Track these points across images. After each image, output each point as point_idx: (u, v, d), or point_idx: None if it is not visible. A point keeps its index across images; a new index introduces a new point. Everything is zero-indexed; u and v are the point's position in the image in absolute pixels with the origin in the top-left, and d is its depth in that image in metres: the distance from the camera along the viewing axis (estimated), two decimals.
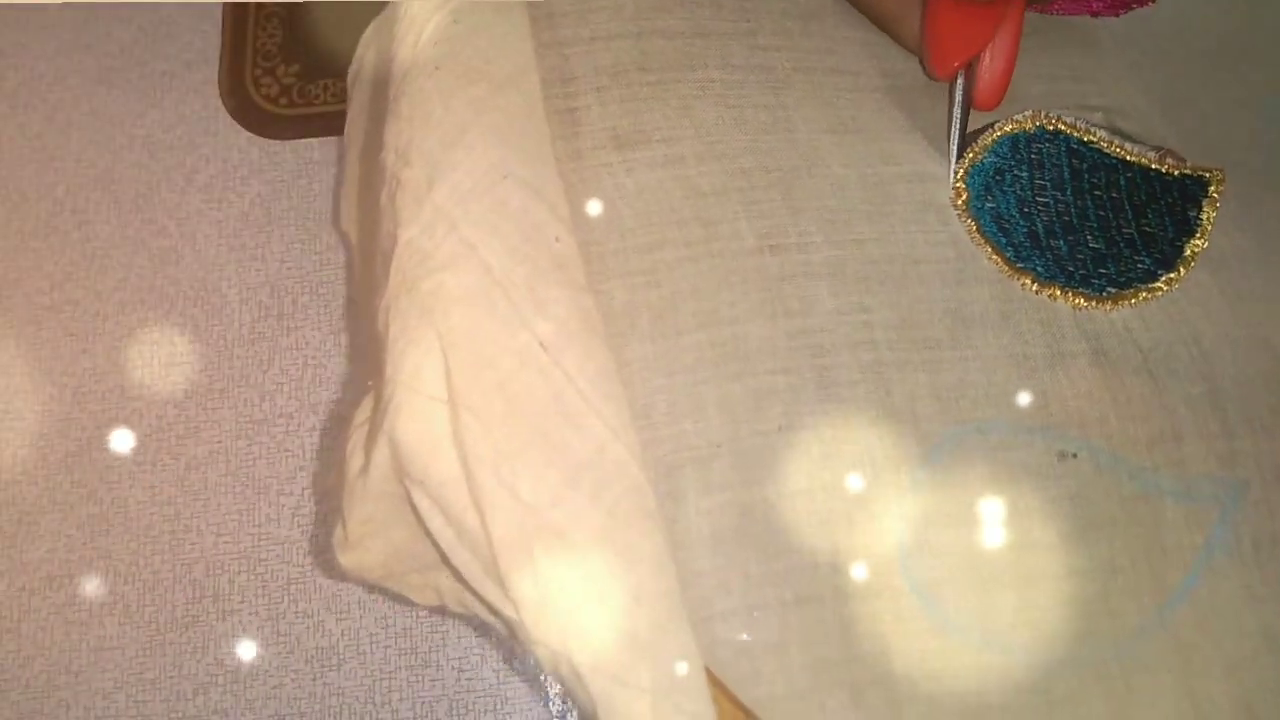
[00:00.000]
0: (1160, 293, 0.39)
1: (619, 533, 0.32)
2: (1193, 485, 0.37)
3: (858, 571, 0.35)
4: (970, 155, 0.41)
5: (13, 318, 0.61)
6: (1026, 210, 0.40)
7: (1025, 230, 0.40)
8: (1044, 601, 0.35)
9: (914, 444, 0.37)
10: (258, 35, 0.70)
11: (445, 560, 0.34)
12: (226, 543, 0.57)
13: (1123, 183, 0.40)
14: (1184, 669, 0.35)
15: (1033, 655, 0.35)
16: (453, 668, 0.55)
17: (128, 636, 0.55)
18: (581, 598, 0.31)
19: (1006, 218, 0.40)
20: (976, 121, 0.43)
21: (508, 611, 0.32)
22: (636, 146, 0.42)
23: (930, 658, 0.34)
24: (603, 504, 0.32)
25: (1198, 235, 0.40)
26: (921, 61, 0.45)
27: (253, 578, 0.56)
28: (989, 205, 0.40)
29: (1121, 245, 0.40)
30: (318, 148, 0.66)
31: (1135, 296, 0.39)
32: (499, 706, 0.54)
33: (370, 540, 0.38)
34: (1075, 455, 0.37)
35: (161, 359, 0.61)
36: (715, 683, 0.31)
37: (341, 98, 0.67)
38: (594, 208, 0.40)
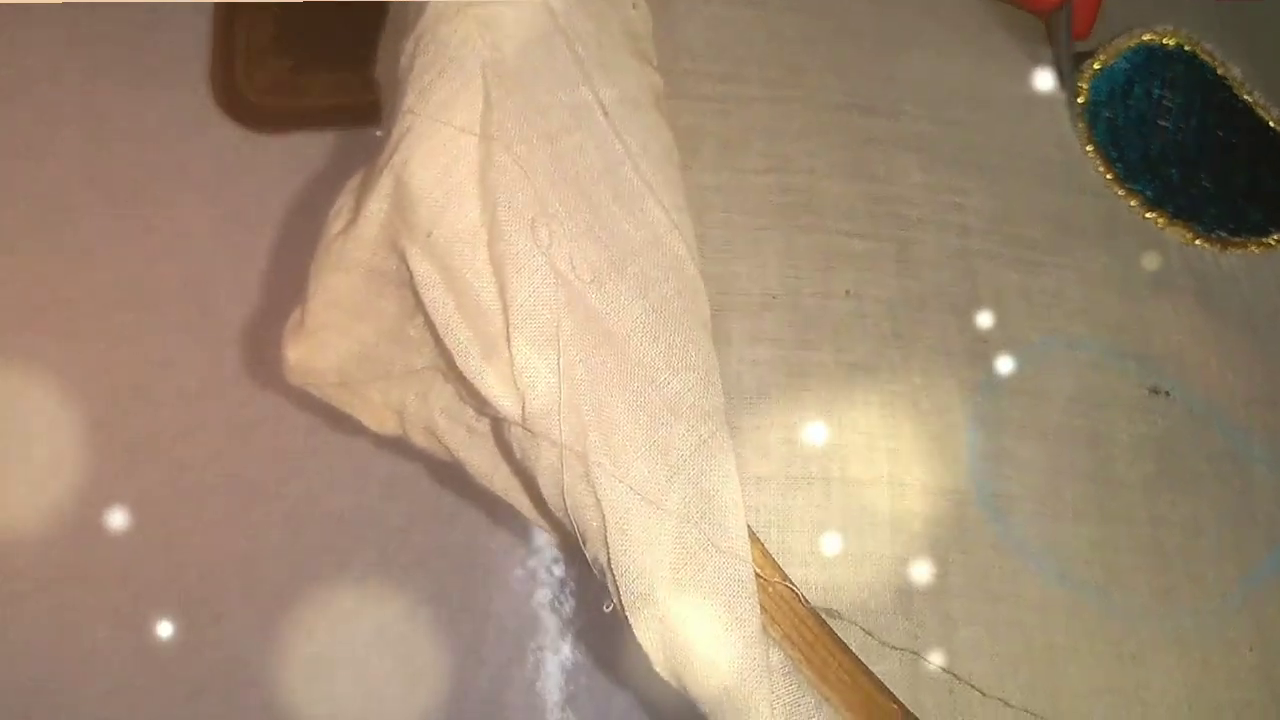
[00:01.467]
0: (1270, 249, 0.35)
1: (665, 333, 0.25)
2: None
3: (920, 463, 0.29)
4: (1102, 58, 0.36)
5: (2, 316, 0.58)
6: (1145, 130, 0.36)
7: (1140, 150, 0.35)
8: (1123, 544, 0.30)
9: (997, 343, 0.31)
10: (249, 29, 0.68)
11: (436, 341, 0.27)
12: (219, 548, 0.55)
13: (1244, 129, 0.36)
14: (1264, 649, 0.30)
15: (1106, 601, 0.29)
16: (448, 677, 0.52)
17: (119, 642, 0.52)
18: (608, 394, 0.24)
19: (1123, 131, 0.35)
20: None
21: (506, 403, 0.25)
22: None
23: (993, 578, 0.28)
24: (650, 298, 0.26)
25: None
26: None
27: (246, 583, 0.54)
28: (1106, 115, 0.36)
29: (1234, 192, 0.36)
30: (310, 142, 0.63)
31: (1244, 246, 0.35)
32: (495, 714, 0.52)
33: (330, 334, 0.31)
34: (1169, 394, 0.32)
35: (153, 358, 0.58)
36: (752, 538, 0.25)
37: (333, 92, 0.65)
38: (663, 24, 0.35)
